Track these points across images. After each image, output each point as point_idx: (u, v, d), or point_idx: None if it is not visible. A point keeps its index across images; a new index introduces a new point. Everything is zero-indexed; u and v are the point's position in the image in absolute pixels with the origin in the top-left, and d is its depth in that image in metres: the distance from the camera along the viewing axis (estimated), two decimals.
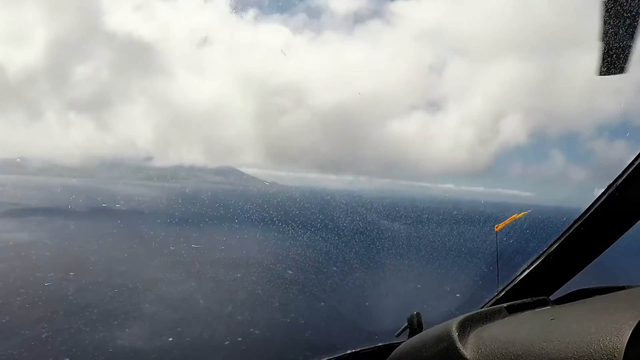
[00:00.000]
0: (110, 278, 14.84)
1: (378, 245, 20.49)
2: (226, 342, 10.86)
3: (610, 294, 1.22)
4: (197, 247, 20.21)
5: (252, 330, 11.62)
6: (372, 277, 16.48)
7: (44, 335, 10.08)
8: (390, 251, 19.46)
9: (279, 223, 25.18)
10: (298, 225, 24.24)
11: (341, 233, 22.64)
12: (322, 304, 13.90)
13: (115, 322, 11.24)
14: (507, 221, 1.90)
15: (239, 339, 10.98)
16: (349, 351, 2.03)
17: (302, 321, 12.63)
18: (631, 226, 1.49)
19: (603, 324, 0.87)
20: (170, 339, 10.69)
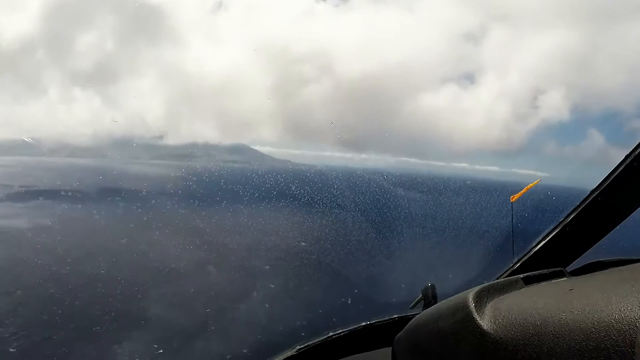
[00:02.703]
0: (122, 266, 14.42)
1: (390, 219, 20.53)
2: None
3: (628, 265, 1.21)
4: (212, 232, 20.28)
5: (263, 303, 11.69)
6: (385, 250, 16.58)
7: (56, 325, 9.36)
8: (403, 223, 19.47)
9: (293, 200, 25.34)
10: (311, 202, 24.38)
11: (351, 208, 22.70)
12: (342, 281, 13.81)
13: (121, 317, 10.30)
14: (522, 191, 1.90)
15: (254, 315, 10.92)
16: (363, 323, 2.08)
17: (317, 295, 12.82)
18: None
19: (624, 294, 0.86)
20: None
